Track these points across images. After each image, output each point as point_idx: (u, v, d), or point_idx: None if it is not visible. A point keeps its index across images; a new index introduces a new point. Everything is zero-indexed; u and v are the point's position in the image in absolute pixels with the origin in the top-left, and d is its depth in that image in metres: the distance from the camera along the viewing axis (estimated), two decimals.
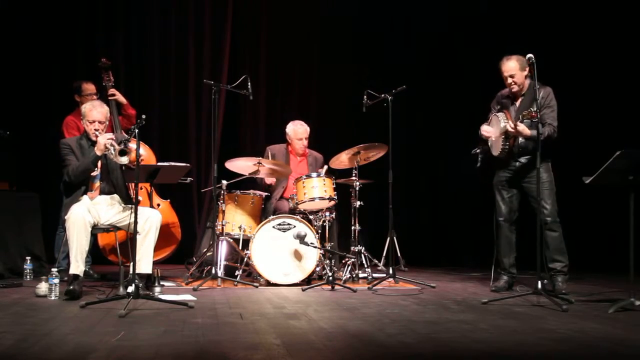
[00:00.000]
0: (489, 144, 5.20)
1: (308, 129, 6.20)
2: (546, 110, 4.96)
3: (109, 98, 5.73)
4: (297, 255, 5.46)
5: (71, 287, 4.41)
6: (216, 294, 4.92)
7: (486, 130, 5.20)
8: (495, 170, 5.29)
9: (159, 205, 5.70)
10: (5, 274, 5.58)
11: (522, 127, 4.87)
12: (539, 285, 4.42)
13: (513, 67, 5.02)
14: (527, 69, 4.98)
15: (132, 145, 4.49)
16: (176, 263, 6.40)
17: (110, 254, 5.44)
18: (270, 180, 5.99)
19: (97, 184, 4.86)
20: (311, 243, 5.35)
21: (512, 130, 4.89)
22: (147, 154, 5.57)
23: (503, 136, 5.02)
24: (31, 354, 2.92)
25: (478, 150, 5.31)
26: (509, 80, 5.07)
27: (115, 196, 4.92)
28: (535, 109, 4.64)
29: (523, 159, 5.10)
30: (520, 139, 5.04)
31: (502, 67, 5.09)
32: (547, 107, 4.98)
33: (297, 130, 6.16)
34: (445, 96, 7.80)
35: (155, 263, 4.83)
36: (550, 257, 5.00)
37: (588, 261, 6.90)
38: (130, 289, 4.11)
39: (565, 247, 5.03)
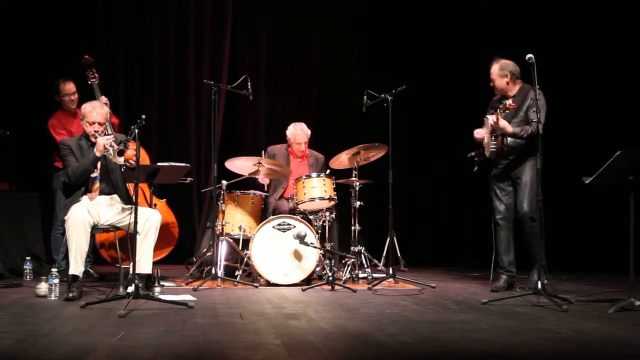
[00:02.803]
0: (484, 145, 5.27)
1: (308, 132, 6.18)
2: (533, 110, 4.98)
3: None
4: (297, 256, 5.46)
5: (70, 295, 4.39)
6: (216, 294, 4.92)
7: (477, 131, 5.29)
8: (490, 171, 5.37)
9: (155, 205, 5.68)
10: (5, 274, 5.58)
11: (503, 123, 4.98)
12: (539, 285, 4.44)
13: (492, 72, 5.21)
14: (508, 76, 5.13)
15: (132, 145, 4.49)
16: (176, 263, 6.40)
17: (110, 249, 5.44)
18: (264, 180, 5.99)
19: (97, 184, 4.86)
20: (311, 243, 5.35)
21: (494, 123, 4.97)
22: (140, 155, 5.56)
23: (492, 137, 5.11)
24: (31, 354, 2.92)
25: (473, 154, 5.39)
26: (491, 83, 5.24)
27: (115, 196, 4.92)
28: (509, 102, 4.80)
29: (511, 157, 5.19)
30: (509, 139, 5.13)
31: (489, 69, 5.25)
32: (535, 106, 4.99)
33: (297, 135, 6.15)
34: (446, 96, 7.80)
35: (154, 263, 4.83)
36: (531, 254, 5.05)
37: (588, 261, 6.91)
38: (130, 289, 4.11)
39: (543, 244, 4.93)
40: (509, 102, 4.80)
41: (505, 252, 5.28)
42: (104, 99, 5.70)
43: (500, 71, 5.15)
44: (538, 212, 4.92)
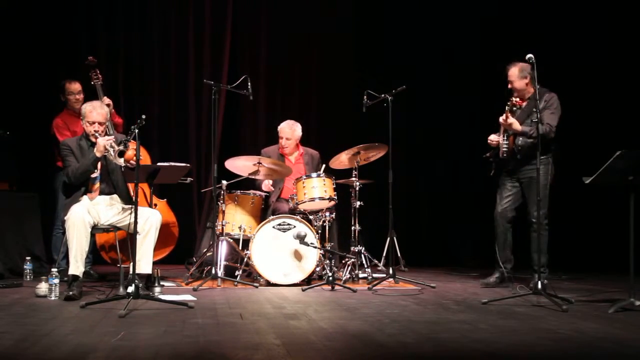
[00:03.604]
0: (499, 146, 5.37)
1: (297, 130, 6.13)
2: (546, 112, 5.20)
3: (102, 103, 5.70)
4: (297, 256, 5.46)
5: (70, 294, 4.39)
6: (216, 294, 4.92)
7: (491, 138, 5.41)
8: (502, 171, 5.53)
9: (155, 205, 5.68)
10: (5, 274, 5.58)
11: (511, 120, 5.14)
12: (539, 285, 4.45)
13: (512, 74, 5.35)
14: (528, 77, 5.26)
15: (132, 146, 4.49)
16: (176, 263, 6.40)
17: (110, 251, 5.44)
18: (267, 187, 5.97)
19: (97, 184, 4.86)
20: (311, 243, 5.34)
21: (503, 121, 5.15)
22: (141, 155, 5.55)
23: (504, 136, 5.25)
24: (31, 354, 2.92)
25: (488, 154, 5.49)
26: (509, 85, 5.37)
27: (115, 196, 4.92)
28: (516, 99, 5.09)
29: (520, 157, 5.30)
30: (520, 139, 5.22)
31: (507, 72, 5.38)
32: (547, 109, 5.23)
33: (282, 128, 6.15)
34: (446, 96, 7.79)
35: (154, 263, 4.83)
36: (532, 256, 5.21)
37: (588, 261, 6.92)
38: (130, 289, 4.11)
39: (545, 248, 5.23)
40: (516, 99, 5.06)
41: (501, 250, 5.47)
42: (106, 99, 5.74)
43: (520, 73, 5.32)
44: (544, 222, 5.18)
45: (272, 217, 5.57)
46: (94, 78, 5.84)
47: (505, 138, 5.25)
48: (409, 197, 7.82)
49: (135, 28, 7.46)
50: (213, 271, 5.33)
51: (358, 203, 5.71)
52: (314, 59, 7.89)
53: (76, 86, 5.84)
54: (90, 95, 5.76)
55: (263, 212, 5.92)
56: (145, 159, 5.68)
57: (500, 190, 5.48)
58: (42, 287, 4.54)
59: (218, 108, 6.26)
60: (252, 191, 5.88)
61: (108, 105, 5.76)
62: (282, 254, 5.44)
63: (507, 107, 5.12)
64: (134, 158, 4.51)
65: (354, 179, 5.70)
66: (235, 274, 5.44)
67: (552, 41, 7.27)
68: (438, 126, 7.83)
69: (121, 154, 4.56)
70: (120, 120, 5.98)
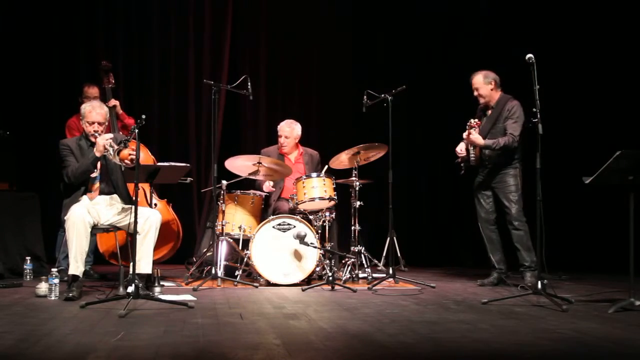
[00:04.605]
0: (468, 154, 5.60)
1: (296, 129, 6.14)
2: (509, 122, 5.42)
3: (109, 105, 5.72)
4: (297, 255, 5.46)
5: (70, 295, 4.39)
6: (216, 294, 4.92)
7: (459, 149, 5.59)
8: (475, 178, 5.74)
9: (155, 205, 5.68)
10: (5, 274, 5.58)
11: (473, 137, 5.35)
12: (539, 285, 4.45)
13: (477, 81, 5.55)
14: (493, 83, 5.47)
15: (132, 145, 4.49)
16: (176, 263, 6.40)
17: (111, 258, 5.44)
18: (269, 188, 5.97)
19: (97, 184, 4.86)
20: (311, 243, 5.34)
21: (467, 138, 5.38)
22: (144, 155, 5.57)
23: (471, 147, 5.49)
24: (31, 354, 2.92)
25: (459, 160, 5.64)
26: (475, 93, 5.56)
27: (115, 196, 4.92)
28: (475, 121, 5.30)
29: (490, 166, 5.52)
30: (486, 150, 5.47)
31: (471, 81, 5.58)
32: (510, 118, 5.43)
33: (282, 127, 6.17)
34: (445, 96, 7.79)
35: (156, 262, 4.83)
36: (519, 254, 5.43)
37: (588, 261, 6.92)
38: (130, 289, 4.11)
39: (531, 244, 5.35)
40: (474, 121, 5.29)
41: (493, 252, 5.62)
42: (112, 101, 5.81)
43: (485, 79, 5.51)
44: (524, 219, 5.40)
45: (272, 217, 5.57)
46: (105, 82, 5.95)
47: (472, 149, 5.46)
48: (409, 197, 7.82)
49: (135, 28, 7.47)
50: (213, 271, 5.33)
51: (358, 203, 5.71)
52: (314, 59, 7.89)
53: (93, 90, 5.94)
54: (102, 98, 5.81)
55: (263, 212, 5.93)
56: (147, 158, 5.69)
57: (477, 200, 5.67)
58: (42, 287, 4.54)
59: (218, 108, 6.27)
60: (252, 191, 5.89)
61: (114, 106, 5.81)
62: (282, 254, 5.44)
63: (467, 126, 5.32)
64: (129, 157, 4.51)
65: (354, 179, 5.70)
66: (235, 274, 5.44)
67: (552, 41, 7.27)
68: (438, 126, 7.83)
69: (120, 153, 4.56)
70: (132, 120, 6.00)
